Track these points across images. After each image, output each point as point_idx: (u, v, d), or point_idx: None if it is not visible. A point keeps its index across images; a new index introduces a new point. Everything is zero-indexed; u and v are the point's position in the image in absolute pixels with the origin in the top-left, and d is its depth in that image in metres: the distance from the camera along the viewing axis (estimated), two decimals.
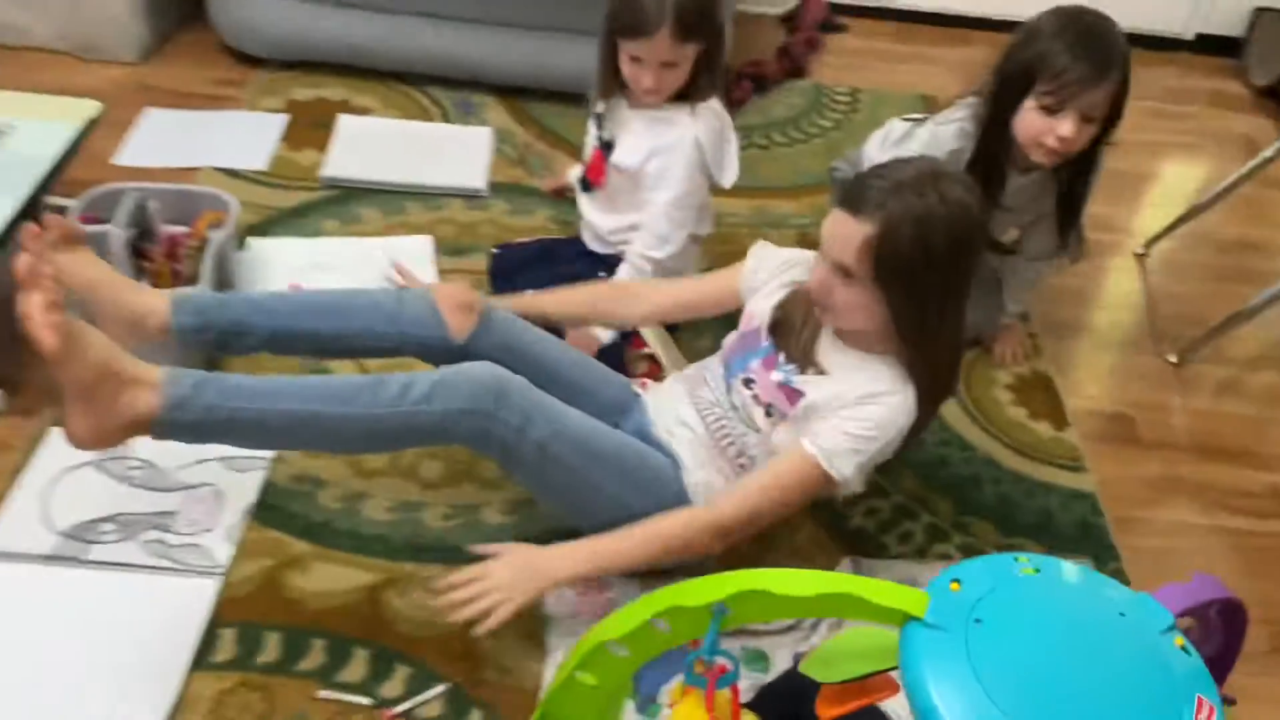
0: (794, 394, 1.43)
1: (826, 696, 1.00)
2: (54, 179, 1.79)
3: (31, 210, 1.70)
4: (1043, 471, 1.84)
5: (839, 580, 0.97)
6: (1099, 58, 1.65)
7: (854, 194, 1.33)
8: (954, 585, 0.94)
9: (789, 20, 3.15)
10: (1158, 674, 0.89)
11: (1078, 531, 1.75)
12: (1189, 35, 3.26)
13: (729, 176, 1.83)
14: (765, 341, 1.49)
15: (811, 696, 1.11)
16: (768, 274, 1.54)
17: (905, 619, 0.92)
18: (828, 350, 1.45)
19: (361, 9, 2.54)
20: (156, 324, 1.45)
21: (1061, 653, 0.89)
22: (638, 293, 1.73)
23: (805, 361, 1.44)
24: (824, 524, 1.68)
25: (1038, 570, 0.97)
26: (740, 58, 2.83)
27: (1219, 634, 1.18)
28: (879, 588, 0.95)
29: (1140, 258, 2.39)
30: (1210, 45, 3.25)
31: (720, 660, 1.09)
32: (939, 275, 1.33)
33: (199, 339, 1.49)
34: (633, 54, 1.72)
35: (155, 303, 1.46)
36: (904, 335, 1.38)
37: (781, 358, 1.47)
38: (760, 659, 1.47)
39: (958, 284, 1.37)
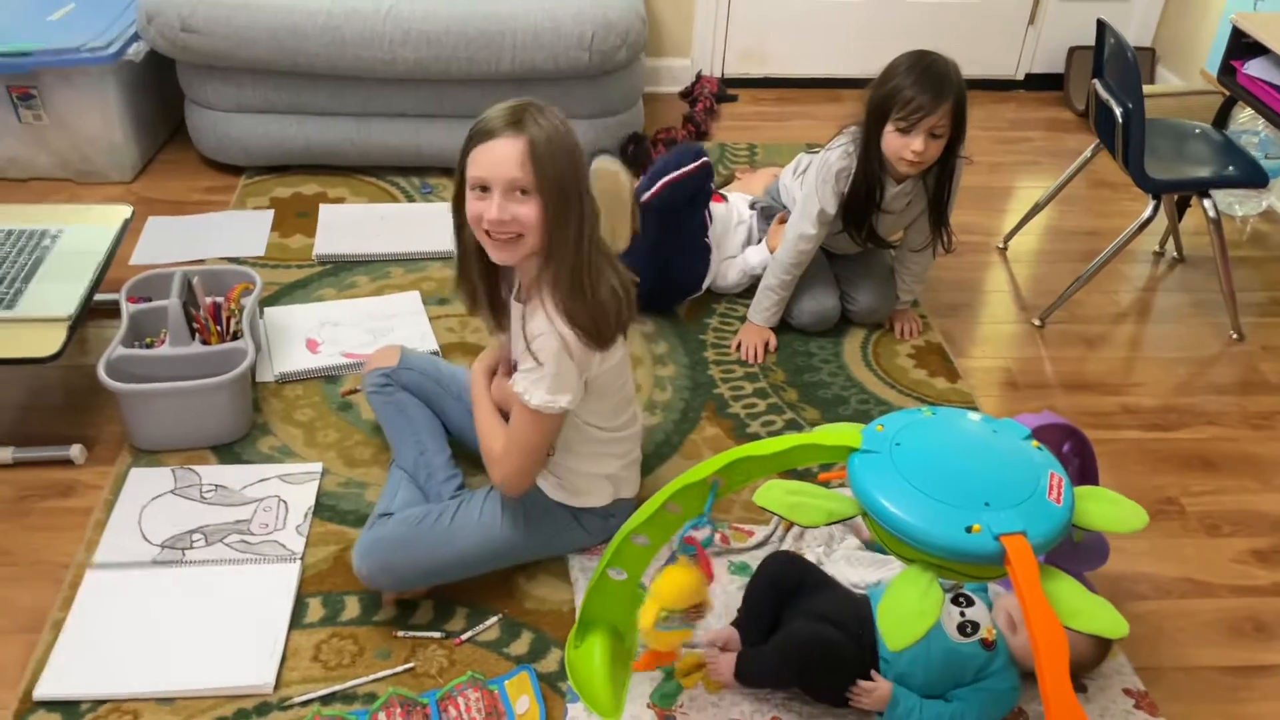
0: None
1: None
2: (107, 268, 2.13)
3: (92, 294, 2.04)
4: None
5: (799, 437, 1.37)
6: (937, 89, 2.12)
7: (484, 128, 1.52)
8: (879, 428, 1.35)
9: (687, 95, 3.67)
10: (1023, 461, 1.30)
11: None
12: (1020, 76, 3.88)
13: None
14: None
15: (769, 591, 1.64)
16: None
17: (849, 452, 1.32)
18: (512, 319, 1.71)
19: (324, 116, 2.93)
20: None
21: (957, 454, 1.30)
22: None
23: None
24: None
25: (934, 413, 1.38)
26: (653, 127, 3.33)
27: (1076, 462, 1.61)
28: (827, 435, 1.35)
29: (1002, 251, 2.89)
30: (1038, 82, 3.87)
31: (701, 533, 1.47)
32: (573, 181, 1.53)
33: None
34: None
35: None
36: (553, 247, 1.55)
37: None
38: (744, 569, 1.85)
39: (579, 199, 1.55)
